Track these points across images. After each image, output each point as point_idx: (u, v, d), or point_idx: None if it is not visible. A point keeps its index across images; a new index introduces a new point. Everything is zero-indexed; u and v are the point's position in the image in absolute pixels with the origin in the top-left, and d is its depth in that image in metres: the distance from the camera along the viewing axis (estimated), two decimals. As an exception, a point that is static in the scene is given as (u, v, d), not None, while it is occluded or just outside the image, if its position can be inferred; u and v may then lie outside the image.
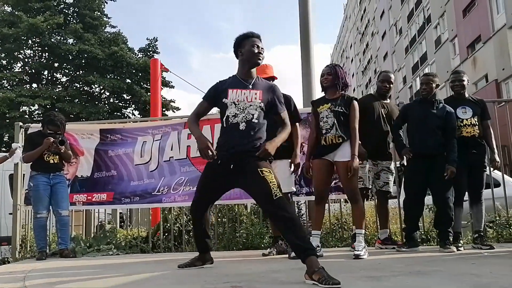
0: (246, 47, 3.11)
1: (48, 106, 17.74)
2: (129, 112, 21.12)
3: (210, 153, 2.92)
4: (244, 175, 2.91)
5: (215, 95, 3.14)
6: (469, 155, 4.21)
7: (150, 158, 5.52)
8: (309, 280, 2.45)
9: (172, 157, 5.48)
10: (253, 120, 2.99)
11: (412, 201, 4.28)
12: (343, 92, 3.97)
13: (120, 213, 8.97)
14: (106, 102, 21.11)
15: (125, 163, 5.56)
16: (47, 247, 4.93)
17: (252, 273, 2.89)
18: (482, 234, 4.33)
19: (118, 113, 20.15)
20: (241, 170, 2.92)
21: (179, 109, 21.52)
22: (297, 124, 4.17)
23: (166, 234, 5.62)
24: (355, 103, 3.93)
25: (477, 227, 4.35)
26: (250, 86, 3.08)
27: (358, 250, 3.70)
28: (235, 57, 3.21)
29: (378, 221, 4.82)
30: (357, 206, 3.92)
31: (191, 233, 5.65)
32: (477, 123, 4.29)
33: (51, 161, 4.82)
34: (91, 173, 5.54)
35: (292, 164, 4.06)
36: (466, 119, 4.29)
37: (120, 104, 21.18)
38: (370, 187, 4.49)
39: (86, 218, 6.53)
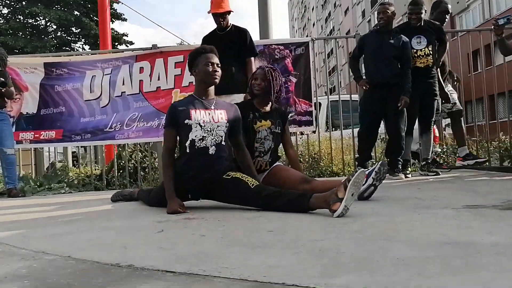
0: (200, 66, 2.80)
1: (-12, 40, 16.53)
2: (79, 47, 20.10)
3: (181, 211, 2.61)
4: (214, 193, 2.79)
5: (177, 117, 2.76)
6: (421, 85, 4.28)
7: (101, 93, 5.31)
8: (337, 207, 2.19)
9: (124, 92, 5.29)
10: (222, 143, 2.78)
11: (366, 131, 4.37)
12: (275, 104, 3.35)
13: (74, 152, 8.75)
14: (53, 35, 19.86)
15: (74, 98, 5.33)
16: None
17: (207, 206, 2.90)
18: (429, 161, 4.52)
19: (67, 48, 19.09)
20: (210, 192, 2.80)
21: (133, 43, 20.68)
22: (252, 58, 4.11)
23: (121, 171, 5.54)
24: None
25: (425, 155, 4.53)
26: (213, 106, 2.82)
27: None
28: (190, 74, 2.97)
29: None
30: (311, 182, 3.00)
31: (146, 170, 5.61)
32: (431, 53, 4.32)
33: (-10, 99, 4.53)
34: (37, 109, 5.30)
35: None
36: (420, 50, 4.31)
37: (68, 38, 20.01)
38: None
39: (36, 158, 6.32)
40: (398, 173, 4.22)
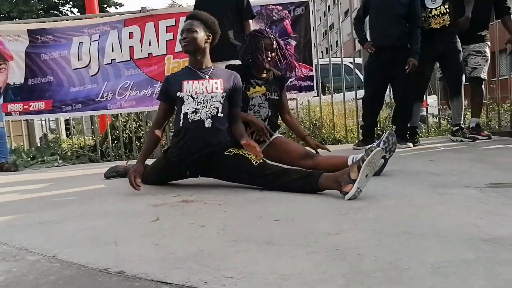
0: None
1: (-27, 5, 15.85)
2: (67, 10, 19.31)
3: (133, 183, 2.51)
4: (214, 170, 2.60)
5: (168, 90, 2.62)
6: (437, 46, 4.00)
7: (90, 61, 5.05)
8: (349, 189, 2.02)
9: (114, 59, 5.03)
10: (218, 114, 2.54)
11: (371, 97, 4.15)
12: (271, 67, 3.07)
13: (67, 120, 8.45)
14: (40, -1, 19.04)
15: (62, 67, 5.07)
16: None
17: (205, 184, 2.71)
18: (462, 126, 4.27)
19: (55, 11, 18.34)
20: (209, 169, 2.62)
21: (122, 5, 19.82)
22: (250, 21, 3.85)
23: (115, 141, 5.33)
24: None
25: (457, 120, 4.25)
26: (207, 76, 2.59)
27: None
28: None
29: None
30: (314, 158, 2.82)
31: (142, 140, 5.40)
32: (447, 11, 3.97)
33: (-28, 70, 4.27)
34: (24, 79, 5.05)
35: None
36: (435, 9, 3.99)
37: (55, 1, 19.15)
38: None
39: (29, 128, 6.08)
40: (405, 141, 4.02)
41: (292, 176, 2.28)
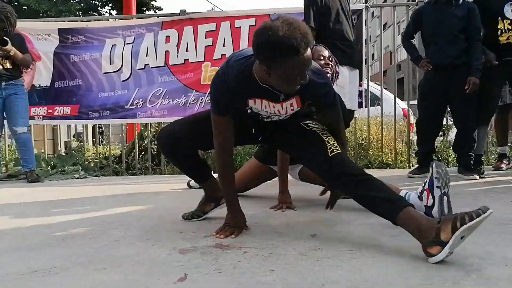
0: (288, 69, 1.68)
1: (13, 3, 15.93)
2: (106, 12, 19.28)
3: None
4: (280, 138, 2.12)
5: (227, 101, 1.90)
6: (509, 63, 3.46)
7: (122, 65, 4.73)
8: (436, 252, 1.52)
9: (148, 64, 4.70)
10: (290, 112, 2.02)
11: (428, 121, 3.67)
12: None
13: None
14: (79, -1, 19.01)
15: (93, 70, 4.77)
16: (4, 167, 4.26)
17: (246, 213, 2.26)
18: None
19: (94, 13, 18.31)
20: (276, 135, 2.13)
21: (161, 9, 19.61)
22: None
23: (142, 153, 4.96)
24: None
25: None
26: (282, 98, 1.90)
27: None
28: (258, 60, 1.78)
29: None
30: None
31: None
32: None
33: (0, 67, 3.96)
34: (51, 82, 4.77)
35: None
36: None
37: (95, 2, 19.16)
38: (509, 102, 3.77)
39: (54, 133, 5.80)
40: (470, 171, 3.48)
41: (380, 193, 1.77)
